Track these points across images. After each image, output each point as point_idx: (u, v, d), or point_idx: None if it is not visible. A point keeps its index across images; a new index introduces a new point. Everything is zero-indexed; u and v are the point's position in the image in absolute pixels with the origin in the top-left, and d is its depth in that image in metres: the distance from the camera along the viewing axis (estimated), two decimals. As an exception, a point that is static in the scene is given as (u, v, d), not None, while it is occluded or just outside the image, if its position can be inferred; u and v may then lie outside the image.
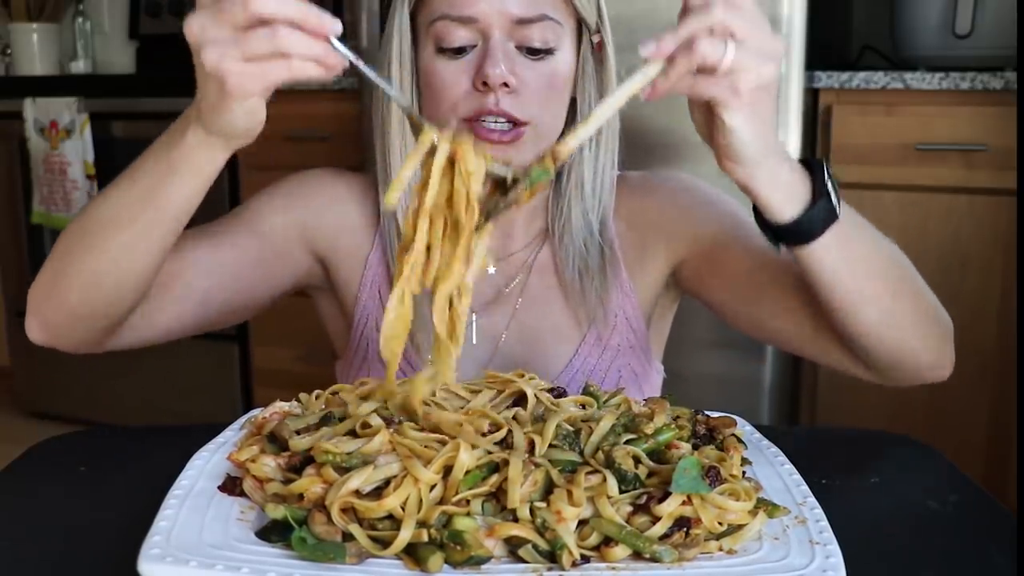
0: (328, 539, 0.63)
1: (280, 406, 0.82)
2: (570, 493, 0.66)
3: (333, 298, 1.13)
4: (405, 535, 0.63)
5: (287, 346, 2.65)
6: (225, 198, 2.60)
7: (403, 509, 0.65)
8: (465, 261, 0.70)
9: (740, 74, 0.69)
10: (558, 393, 0.83)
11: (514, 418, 0.75)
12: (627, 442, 0.73)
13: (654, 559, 0.63)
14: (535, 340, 1.08)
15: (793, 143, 2.06)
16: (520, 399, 0.80)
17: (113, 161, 2.84)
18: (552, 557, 0.63)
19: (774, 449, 0.82)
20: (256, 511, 0.70)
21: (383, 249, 1.08)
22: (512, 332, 1.08)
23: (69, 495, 0.81)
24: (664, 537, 0.64)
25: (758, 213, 0.81)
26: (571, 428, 0.74)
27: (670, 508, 0.65)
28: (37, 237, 3.08)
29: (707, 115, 0.74)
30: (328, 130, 2.50)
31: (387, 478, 0.67)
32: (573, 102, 1.04)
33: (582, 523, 0.66)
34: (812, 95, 2.14)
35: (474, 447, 0.69)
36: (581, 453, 0.73)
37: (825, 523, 0.68)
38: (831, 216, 0.80)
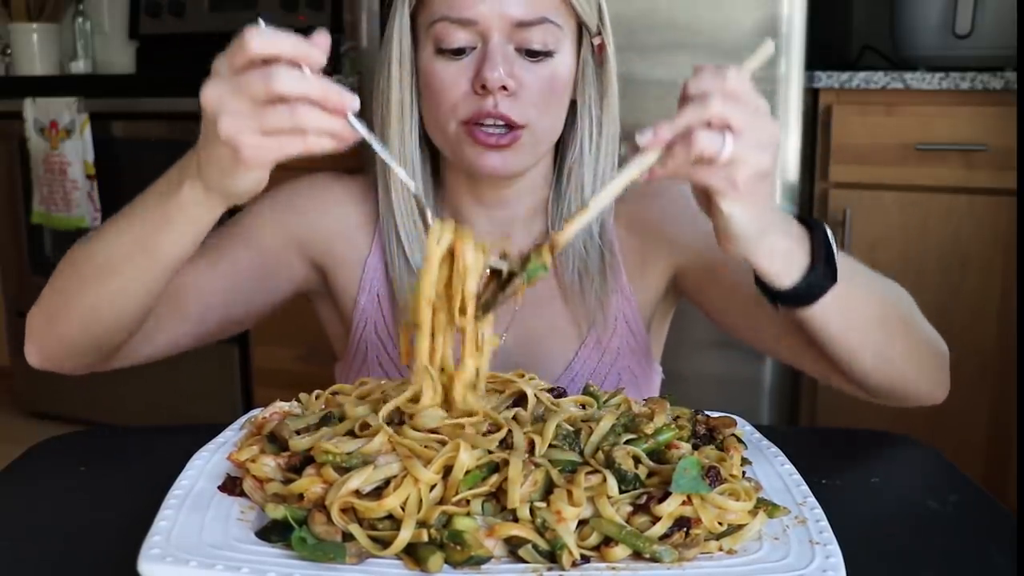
0: (328, 539, 0.63)
1: (280, 406, 0.82)
2: (570, 493, 0.66)
3: (332, 303, 1.13)
4: (405, 535, 0.63)
5: (287, 346, 2.65)
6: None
7: (403, 509, 0.65)
8: (475, 354, 0.75)
9: (737, 166, 0.69)
10: (558, 393, 0.83)
11: (514, 418, 0.75)
12: (627, 442, 0.73)
13: (654, 559, 0.63)
14: (534, 342, 1.08)
15: (793, 143, 2.06)
16: (520, 399, 0.80)
17: (113, 161, 2.84)
18: (552, 557, 0.63)
19: (774, 449, 0.82)
20: (256, 511, 0.70)
21: (381, 252, 1.08)
22: (511, 334, 1.08)
23: (69, 495, 0.81)
24: (664, 537, 0.64)
25: (757, 277, 0.81)
26: (571, 428, 0.74)
27: (670, 508, 0.65)
28: (37, 237, 3.08)
29: (705, 197, 0.75)
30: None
31: (387, 478, 0.67)
32: (573, 105, 1.04)
33: (582, 523, 0.66)
34: (812, 95, 2.14)
35: (474, 447, 0.69)
36: (581, 453, 0.73)
37: (825, 523, 0.68)
38: (830, 281, 0.80)
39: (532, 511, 0.65)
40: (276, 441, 0.75)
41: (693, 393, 1.46)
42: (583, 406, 0.81)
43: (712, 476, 0.68)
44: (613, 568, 0.62)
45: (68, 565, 0.69)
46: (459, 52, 0.97)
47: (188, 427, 0.91)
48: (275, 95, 0.66)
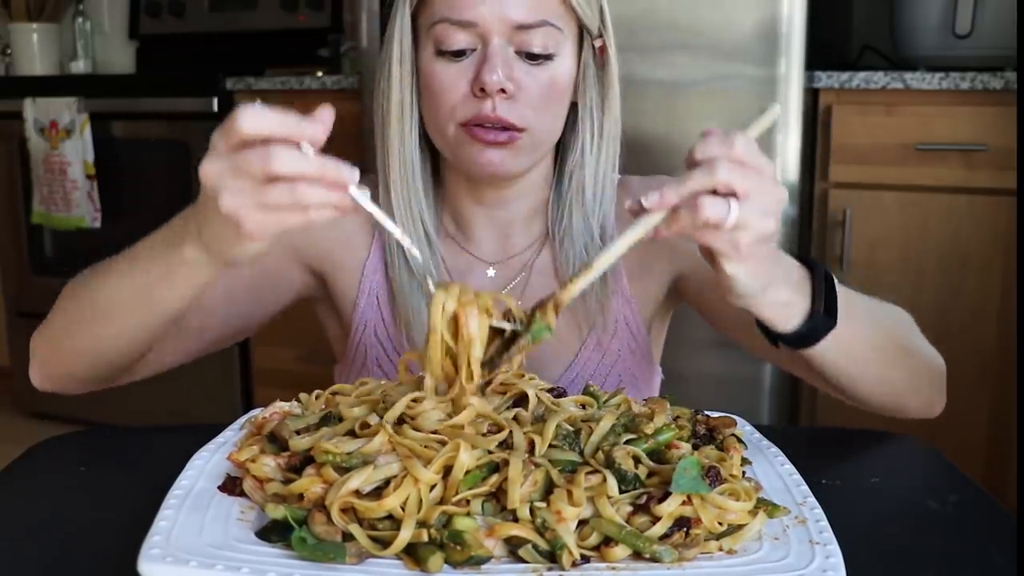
0: (328, 539, 0.63)
1: (280, 406, 0.82)
2: (570, 493, 0.66)
3: (331, 306, 1.13)
4: (405, 535, 0.63)
5: (287, 346, 2.65)
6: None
7: (403, 509, 0.65)
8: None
9: (741, 231, 0.70)
10: (558, 393, 0.83)
11: (515, 418, 0.75)
12: (627, 442, 0.73)
13: (654, 559, 0.63)
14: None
15: (793, 143, 2.06)
16: (521, 399, 0.80)
17: (113, 161, 2.84)
18: (552, 557, 0.63)
19: (774, 449, 0.82)
20: (256, 511, 0.70)
21: (381, 253, 1.08)
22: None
23: (69, 495, 0.81)
24: (664, 537, 0.64)
25: (758, 321, 0.82)
26: (571, 428, 0.74)
27: (670, 508, 0.65)
28: (37, 237, 3.08)
29: (709, 255, 0.75)
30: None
31: (387, 478, 0.67)
32: (575, 106, 1.04)
33: (582, 523, 0.66)
34: (812, 95, 2.14)
35: (474, 447, 0.69)
36: (581, 453, 0.73)
37: (825, 523, 0.68)
38: (831, 323, 0.81)
39: (532, 511, 0.65)
40: (276, 441, 0.75)
41: (693, 393, 1.46)
42: (583, 406, 0.81)
43: (712, 476, 0.68)
44: (613, 568, 0.62)
45: (68, 565, 0.69)
46: (459, 54, 0.97)
47: (188, 427, 0.91)
48: (272, 175, 0.66)
